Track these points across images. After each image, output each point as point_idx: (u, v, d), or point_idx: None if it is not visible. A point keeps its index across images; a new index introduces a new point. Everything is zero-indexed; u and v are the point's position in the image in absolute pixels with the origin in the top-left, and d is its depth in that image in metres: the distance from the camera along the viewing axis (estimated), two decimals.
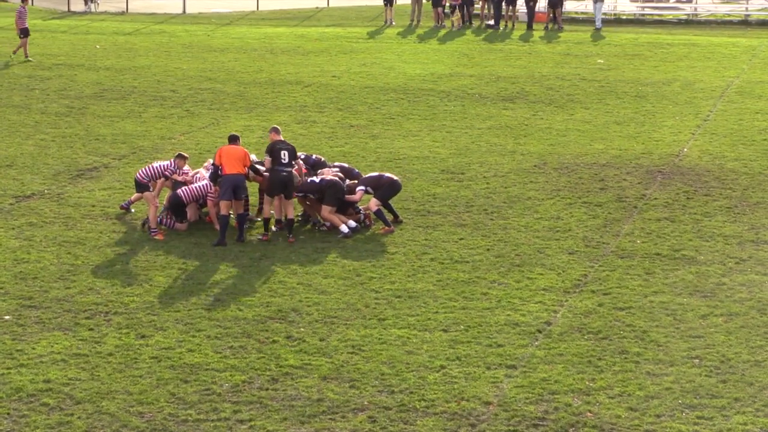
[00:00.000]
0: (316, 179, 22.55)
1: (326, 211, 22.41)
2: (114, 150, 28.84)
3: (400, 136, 30.39)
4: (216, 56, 42.80)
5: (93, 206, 24.11)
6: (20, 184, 25.69)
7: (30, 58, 40.98)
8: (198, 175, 23.16)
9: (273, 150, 21.95)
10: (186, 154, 23.35)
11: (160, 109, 33.74)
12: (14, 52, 41.32)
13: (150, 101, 34.75)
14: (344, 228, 22.29)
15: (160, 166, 22.72)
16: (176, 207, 22.51)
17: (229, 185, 21.60)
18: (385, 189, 22.73)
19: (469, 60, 41.95)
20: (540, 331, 17.78)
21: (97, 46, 44.70)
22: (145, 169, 22.67)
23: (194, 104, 34.38)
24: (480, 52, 43.66)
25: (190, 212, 22.96)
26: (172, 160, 23.02)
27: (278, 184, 21.82)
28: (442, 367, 16.54)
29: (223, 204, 21.76)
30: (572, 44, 45.43)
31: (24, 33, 40.93)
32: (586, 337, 17.58)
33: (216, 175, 21.96)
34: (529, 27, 48.59)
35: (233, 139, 22.21)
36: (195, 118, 32.55)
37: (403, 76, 38.55)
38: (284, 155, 21.77)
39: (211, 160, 23.79)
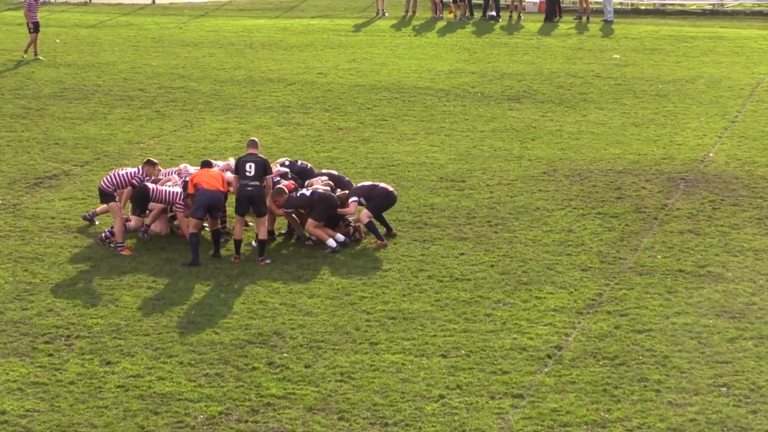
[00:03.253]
0: (306, 192, 22.50)
1: (311, 225, 22.39)
2: (76, 156, 28.88)
3: (394, 139, 30.46)
4: (189, 51, 42.88)
5: (52, 218, 24.14)
6: None
7: (40, 57, 40.71)
8: (168, 175, 23.13)
9: (238, 163, 21.95)
10: (155, 160, 23.39)
11: (127, 110, 33.79)
12: (25, 51, 40.76)
13: (116, 101, 34.80)
14: (332, 242, 22.32)
15: (126, 173, 22.76)
16: (139, 199, 22.39)
17: (204, 201, 21.53)
18: (378, 200, 22.76)
19: (471, 55, 42.06)
20: (550, 357, 17.83)
21: (57, 41, 44.77)
22: (111, 177, 22.71)
23: (165, 105, 34.44)
24: (482, 47, 43.78)
25: (161, 225, 23.03)
26: (140, 166, 23.06)
27: (244, 200, 21.71)
28: (441, 396, 16.59)
29: (192, 222, 21.69)
30: (585, 38, 45.58)
31: (35, 27, 40.62)
32: (601, 363, 17.63)
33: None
34: (548, 19, 48.34)
35: (206, 165, 22.28)
36: (166, 120, 32.61)
37: (397, 73, 38.65)
38: (250, 168, 21.67)
39: (184, 165, 23.89)
